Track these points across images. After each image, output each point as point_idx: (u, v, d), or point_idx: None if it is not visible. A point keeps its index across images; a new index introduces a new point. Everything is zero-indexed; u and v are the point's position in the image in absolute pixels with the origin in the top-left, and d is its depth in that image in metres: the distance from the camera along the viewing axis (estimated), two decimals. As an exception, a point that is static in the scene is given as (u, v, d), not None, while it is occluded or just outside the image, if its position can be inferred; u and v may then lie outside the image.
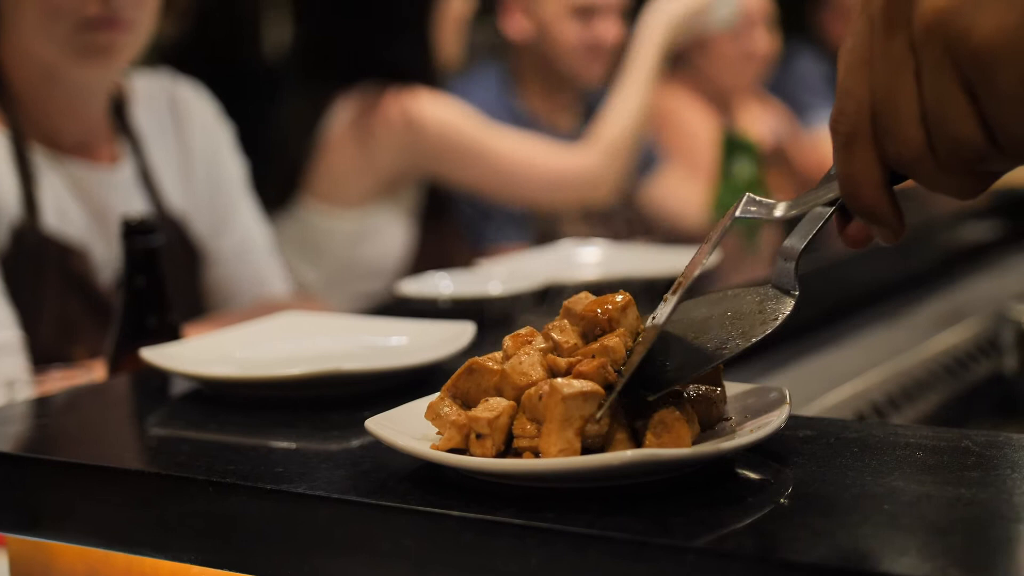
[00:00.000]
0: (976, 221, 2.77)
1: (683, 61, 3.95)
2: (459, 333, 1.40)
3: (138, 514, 1.06)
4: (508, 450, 0.98)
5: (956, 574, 0.78)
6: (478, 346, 1.36)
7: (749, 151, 3.17)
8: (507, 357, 1.04)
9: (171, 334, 1.56)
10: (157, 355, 1.36)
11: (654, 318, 1.01)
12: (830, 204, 0.93)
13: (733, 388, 1.08)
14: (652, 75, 2.97)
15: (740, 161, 3.14)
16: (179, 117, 2.31)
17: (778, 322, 0.98)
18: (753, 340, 0.98)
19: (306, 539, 0.98)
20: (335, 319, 1.58)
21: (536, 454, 0.95)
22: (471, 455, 0.97)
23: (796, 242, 0.98)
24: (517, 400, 0.99)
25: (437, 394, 1.04)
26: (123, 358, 1.56)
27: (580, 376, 0.98)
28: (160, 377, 1.40)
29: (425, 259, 2.81)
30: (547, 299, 1.76)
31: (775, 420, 0.99)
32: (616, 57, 3.20)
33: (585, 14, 3.23)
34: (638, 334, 1.03)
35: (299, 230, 2.91)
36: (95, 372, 1.73)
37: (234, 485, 1.01)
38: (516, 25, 3.31)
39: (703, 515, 0.89)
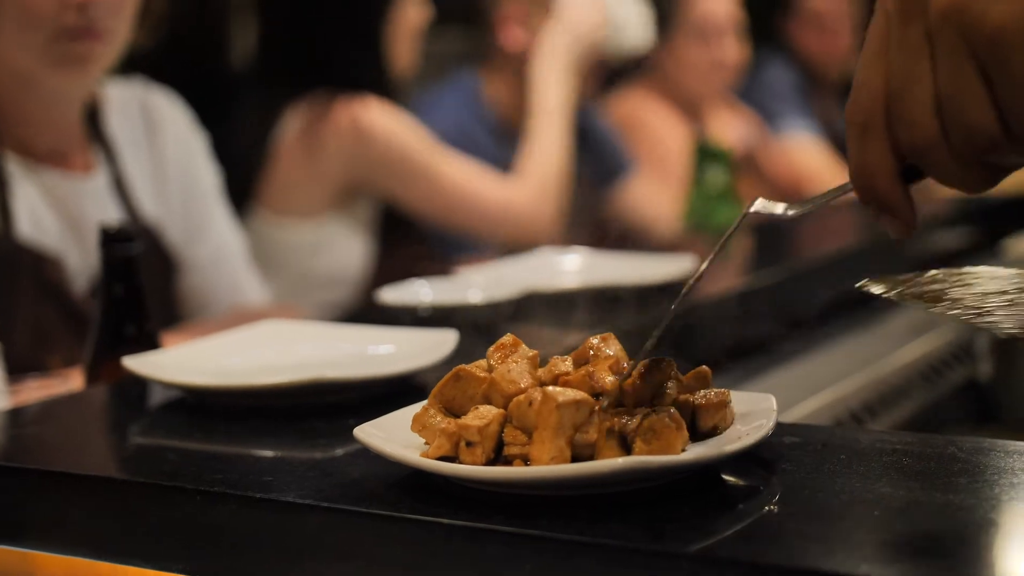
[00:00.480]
0: (947, 229, 2.79)
1: (652, 67, 3.96)
2: (441, 341, 1.41)
3: (125, 524, 1.06)
4: (498, 458, 0.98)
5: (949, 579, 0.79)
6: (459, 354, 1.36)
7: (722, 158, 3.18)
8: (491, 368, 1.04)
9: (149, 343, 1.55)
10: (139, 364, 1.35)
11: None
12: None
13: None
14: (564, 104, 2.93)
15: (712, 168, 3.15)
16: (153, 125, 2.30)
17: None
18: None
19: (295, 548, 0.98)
20: (317, 327, 1.57)
21: (526, 462, 0.95)
22: (461, 463, 0.97)
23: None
24: (505, 408, 0.99)
25: (423, 403, 1.04)
26: (101, 367, 1.55)
27: (567, 385, 0.99)
28: (139, 386, 1.40)
29: (387, 271, 2.75)
30: (526, 306, 1.76)
31: (763, 427, 0.99)
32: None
33: None
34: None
35: (252, 241, 2.85)
36: (72, 381, 1.72)
37: (222, 494, 1.01)
38: (512, 37, 3.30)
39: (695, 522, 0.89)
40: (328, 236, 2.86)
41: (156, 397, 1.37)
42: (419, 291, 1.79)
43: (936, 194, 3.08)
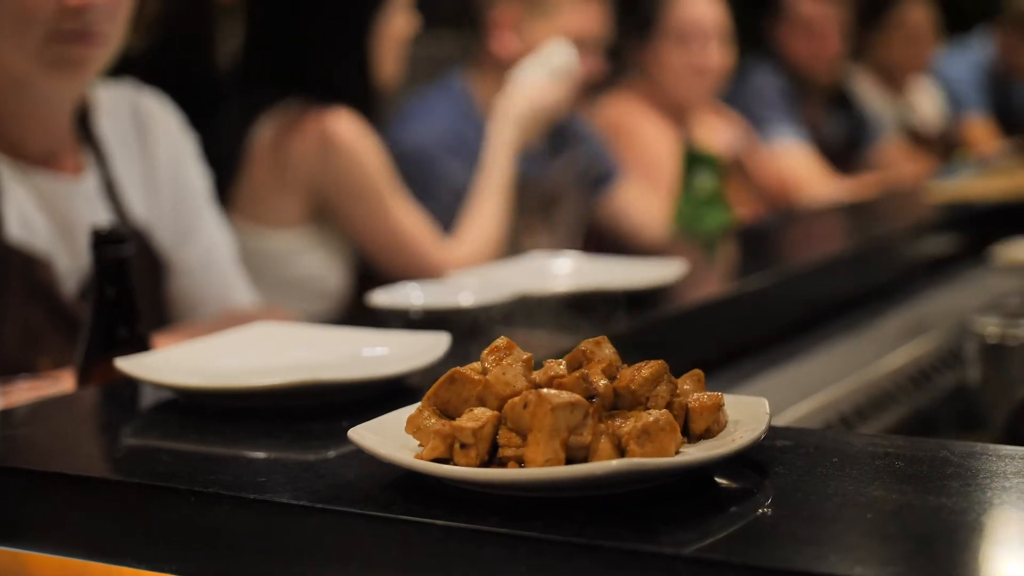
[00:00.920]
0: (935, 235, 2.80)
1: (637, 70, 3.96)
2: (434, 344, 1.41)
3: (119, 525, 1.06)
4: (492, 459, 0.98)
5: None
6: (451, 357, 1.36)
7: (710, 164, 3.18)
8: (485, 370, 1.04)
9: (140, 344, 1.55)
10: (133, 365, 1.35)
11: None
12: None
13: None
14: (507, 179, 2.94)
15: (701, 174, 3.15)
16: (143, 128, 2.30)
17: None
18: None
19: (291, 549, 0.98)
20: (309, 329, 1.57)
21: (521, 464, 0.96)
22: (455, 465, 0.98)
23: None
24: (499, 410, 1.00)
25: (416, 405, 1.05)
26: (92, 369, 1.55)
27: (561, 388, 0.99)
28: (131, 387, 1.40)
29: (370, 281, 2.71)
30: (517, 310, 1.76)
31: (756, 430, 1.00)
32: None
33: None
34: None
35: None
36: (62, 383, 1.72)
37: (217, 495, 1.01)
38: (505, 44, 3.30)
39: (689, 523, 0.90)
40: (301, 247, 2.83)
41: (148, 399, 1.37)
42: (410, 294, 1.79)
43: (926, 200, 3.10)
